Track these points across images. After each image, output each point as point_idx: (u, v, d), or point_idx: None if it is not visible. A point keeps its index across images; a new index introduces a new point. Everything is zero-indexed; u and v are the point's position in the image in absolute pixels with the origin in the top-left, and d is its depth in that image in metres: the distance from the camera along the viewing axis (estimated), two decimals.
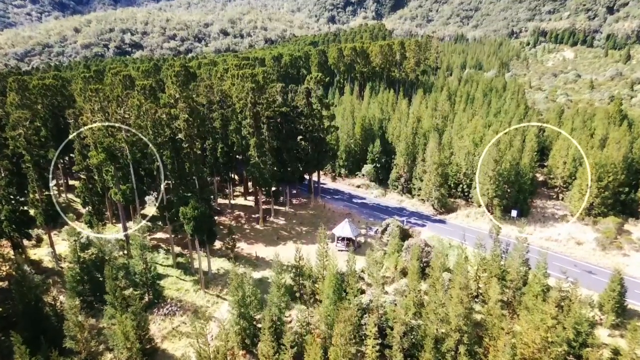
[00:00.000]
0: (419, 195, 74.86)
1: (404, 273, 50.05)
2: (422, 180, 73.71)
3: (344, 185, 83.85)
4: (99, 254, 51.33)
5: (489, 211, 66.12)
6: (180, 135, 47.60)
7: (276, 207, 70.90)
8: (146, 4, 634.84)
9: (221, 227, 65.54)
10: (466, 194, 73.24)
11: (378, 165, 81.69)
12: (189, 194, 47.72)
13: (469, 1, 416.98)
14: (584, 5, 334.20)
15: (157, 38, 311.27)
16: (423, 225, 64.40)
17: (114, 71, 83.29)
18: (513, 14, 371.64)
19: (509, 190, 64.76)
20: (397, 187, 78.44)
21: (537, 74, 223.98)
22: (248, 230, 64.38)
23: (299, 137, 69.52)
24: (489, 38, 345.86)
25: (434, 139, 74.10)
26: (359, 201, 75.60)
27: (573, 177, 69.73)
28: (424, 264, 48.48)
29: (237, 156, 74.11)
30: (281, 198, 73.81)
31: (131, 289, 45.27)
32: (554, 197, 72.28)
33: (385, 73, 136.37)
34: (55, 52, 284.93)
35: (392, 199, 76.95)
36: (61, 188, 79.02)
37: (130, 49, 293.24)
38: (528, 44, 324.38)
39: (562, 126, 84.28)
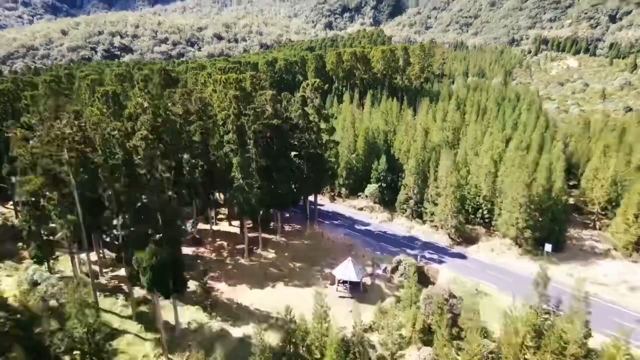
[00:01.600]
0: (431, 221, 64.50)
1: (422, 332, 39.57)
2: (435, 204, 63.39)
3: (345, 207, 73.31)
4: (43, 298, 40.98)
5: (517, 244, 55.78)
6: (139, 157, 36.97)
7: (265, 235, 60.23)
8: (141, 8, 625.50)
9: (199, 260, 54.83)
10: (487, 220, 63.07)
11: (383, 184, 71.33)
12: (150, 232, 37.01)
13: (469, 8, 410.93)
14: (586, 13, 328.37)
15: (148, 41, 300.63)
16: (440, 261, 53.94)
17: (82, 75, 72.70)
18: (513, 22, 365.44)
19: (540, 219, 54.51)
20: (406, 211, 68.04)
21: (543, 83, 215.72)
22: (231, 267, 53.58)
23: (293, 154, 59.14)
24: (489, 45, 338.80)
25: (447, 156, 64.05)
26: (363, 227, 65.06)
27: (613, 203, 59.81)
28: (451, 321, 37.99)
29: (221, 174, 63.50)
30: (272, 224, 63.18)
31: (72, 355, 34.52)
32: (590, 225, 62.20)
33: (388, 80, 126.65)
34: (40, 54, 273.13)
35: (400, 224, 66.51)
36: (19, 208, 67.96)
37: (119, 53, 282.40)
38: (529, 52, 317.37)
39: (591, 141, 74.38)
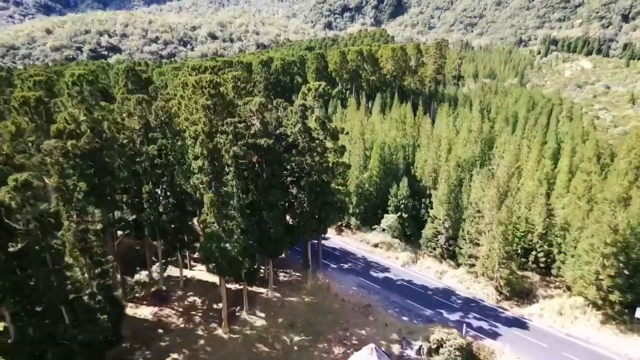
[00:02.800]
0: (467, 264, 49.66)
1: None
2: (476, 244, 48.62)
3: (355, 242, 58.35)
4: None
5: (594, 305, 40.87)
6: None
7: (254, 288, 45.33)
8: (137, 8, 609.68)
9: (160, 330, 39.92)
10: (542, 266, 48.35)
11: (404, 214, 56.41)
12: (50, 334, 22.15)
13: (473, 8, 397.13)
14: (597, 12, 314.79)
15: (138, 41, 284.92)
16: (494, 334, 39.02)
17: (25, 75, 57.68)
18: (521, 22, 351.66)
19: (629, 275, 39.61)
20: (435, 250, 53.19)
21: (558, 85, 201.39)
22: (203, 341, 38.55)
23: (289, 179, 44.30)
24: (495, 46, 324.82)
25: (490, 184, 49.48)
26: (381, 275, 50.12)
27: None
28: None
29: (198, 204, 48.53)
30: (261, 269, 48.33)
31: None
32: None
33: (398, 82, 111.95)
34: (22, 54, 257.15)
35: (428, 268, 51.65)
36: None
37: (107, 52, 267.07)
38: (539, 52, 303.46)
39: None
